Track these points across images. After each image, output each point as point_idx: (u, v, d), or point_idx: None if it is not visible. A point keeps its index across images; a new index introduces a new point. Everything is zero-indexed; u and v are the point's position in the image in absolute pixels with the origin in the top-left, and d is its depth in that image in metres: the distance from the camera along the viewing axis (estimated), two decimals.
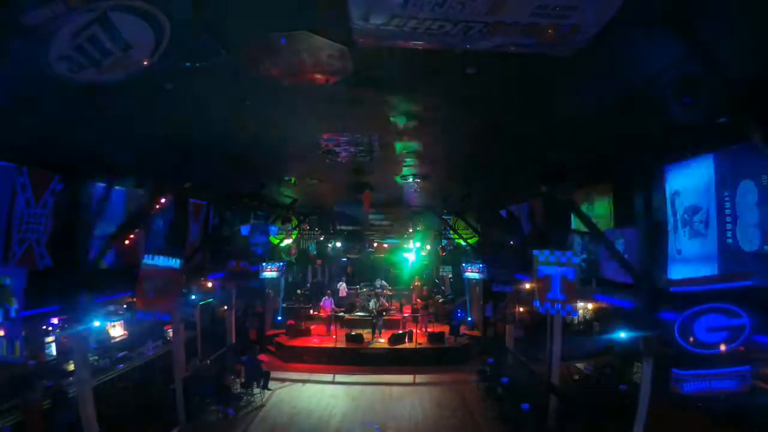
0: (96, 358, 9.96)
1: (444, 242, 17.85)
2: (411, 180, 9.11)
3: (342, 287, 18.90)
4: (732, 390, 5.56)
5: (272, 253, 14.84)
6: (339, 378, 13.29)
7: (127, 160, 6.54)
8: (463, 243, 16.25)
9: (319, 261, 20.96)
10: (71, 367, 8.72)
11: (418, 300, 17.98)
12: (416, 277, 20.15)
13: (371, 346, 14.93)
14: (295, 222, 16.36)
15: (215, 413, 10.45)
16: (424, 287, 19.32)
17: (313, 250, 19.94)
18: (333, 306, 16.78)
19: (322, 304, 16.93)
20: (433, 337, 15.23)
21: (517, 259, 10.87)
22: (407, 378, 13.21)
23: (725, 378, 5.54)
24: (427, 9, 2.46)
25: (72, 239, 6.64)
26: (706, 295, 5.25)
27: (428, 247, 18.98)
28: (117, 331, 11.39)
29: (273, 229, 14.17)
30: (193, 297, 10.04)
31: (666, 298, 5.76)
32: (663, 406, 6.57)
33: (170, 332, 11.43)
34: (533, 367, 11.34)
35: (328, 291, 17.61)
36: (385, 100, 4.43)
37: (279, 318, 17.23)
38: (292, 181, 9.80)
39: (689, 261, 5.58)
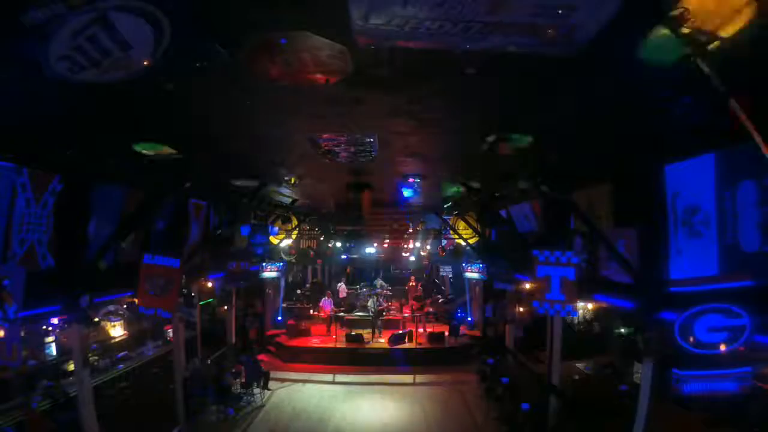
0: (96, 358, 9.95)
1: (444, 242, 17.84)
2: (411, 180, 9.10)
3: (342, 287, 18.89)
4: (732, 391, 5.56)
5: (272, 253, 14.83)
6: (339, 378, 13.29)
7: (126, 160, 6.54)
8: (463, 243, 16.25)
9: (319, 261, 20.93)
10: (71, 367, 8.71)
11: (413, 302, 17.95)
12: (412, 276, 20.10)
13: (371, 346, 14.93)
14: (295, 222, 16.36)
15: (215, 413, 10.45)
16: (419, 287, 19.26)
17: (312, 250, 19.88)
18: (332, 306, 16.77)
19: (321, 304, 16.92)
20: (433, 337, 15.22)
21: (516, 259, 10.86)
22: (407, 378, 13.22)
23: (726, 379, 5.54)
24: (427, 9, 2.46)
25: (72, 239, 6.64)
26: (706, 295, 5.26)
27: (428, 247, 18.97)
28: (117, 331, 11.37)
29: (273, 229, 14.17)
30: (193, 296, 10.04)
31: (666, 298, 5.76)
32: (663, 406, 6.57)
33: (170, 332, 11.43)
34: (533, 367, 11.34)
35: (328, 291, 17.60)
36: (385, 100, 4.42)
37: (279, 318, 17.22)
38: (292, 181, 9.78)
39: (689, 261, 5.58)
